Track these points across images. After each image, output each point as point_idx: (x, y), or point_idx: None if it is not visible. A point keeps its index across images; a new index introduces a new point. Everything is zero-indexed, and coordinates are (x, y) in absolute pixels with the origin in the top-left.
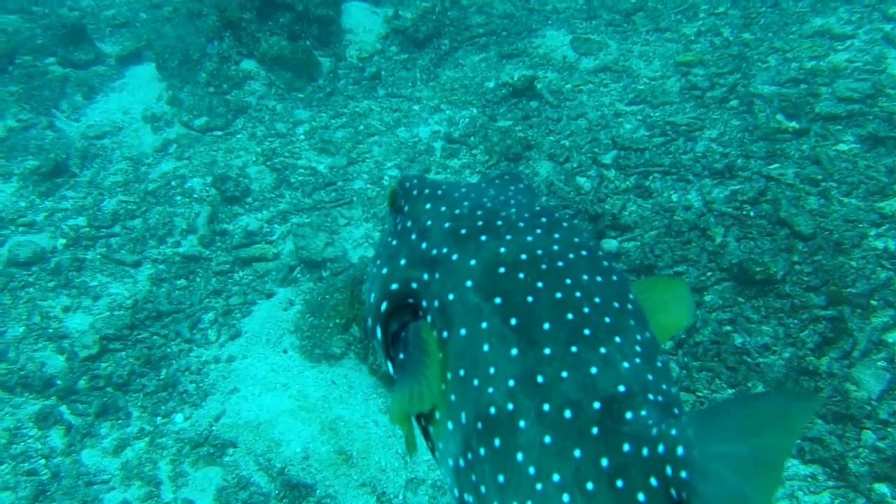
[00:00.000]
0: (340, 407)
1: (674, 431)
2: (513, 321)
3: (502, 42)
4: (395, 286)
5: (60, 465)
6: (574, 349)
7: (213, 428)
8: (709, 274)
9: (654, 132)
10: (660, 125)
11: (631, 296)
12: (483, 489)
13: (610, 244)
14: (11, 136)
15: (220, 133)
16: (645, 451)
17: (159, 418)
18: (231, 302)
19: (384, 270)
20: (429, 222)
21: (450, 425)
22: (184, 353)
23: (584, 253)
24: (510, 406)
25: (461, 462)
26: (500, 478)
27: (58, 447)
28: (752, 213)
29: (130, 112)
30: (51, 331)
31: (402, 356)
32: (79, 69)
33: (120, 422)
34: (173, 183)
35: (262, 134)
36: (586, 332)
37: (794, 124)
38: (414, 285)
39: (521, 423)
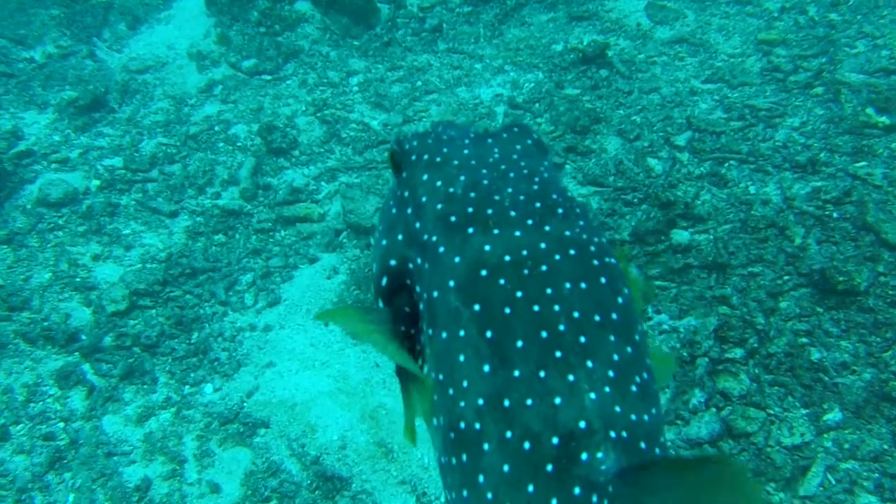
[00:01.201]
0: (383, 393)
1: (622, 486)
2: (488, 334)
3: (572, 2)
4: (393, 262)
5: (80, 431)
6: (542, 374)
7: (245, 404)
8: (786, 278)
9: (731, 115)
10: (738, 108)
11: (620, 298)
12: (454, 495)
13: (681, 236)
14: (50, 63)
15: (268, 77)
16: (594, 499)
17: (187, 387)
18: (271, 264)
19: (383, 241)
20: (424, 198)
21: (434, 422)
22: (217, 317)
23: (572, 252)
24: (477, 426)
25: (442, 460)
26: (465, 492)
27: (78, 410)
28: (835, 215)
29: (175, 47)
30: (78, 280)
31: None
32: None
33: (145, 387)
34: (217, 128)
35: (313, 82)
36: (558, 354)
37: (884, 119)
38: (410, 265)
39: (486, 446)
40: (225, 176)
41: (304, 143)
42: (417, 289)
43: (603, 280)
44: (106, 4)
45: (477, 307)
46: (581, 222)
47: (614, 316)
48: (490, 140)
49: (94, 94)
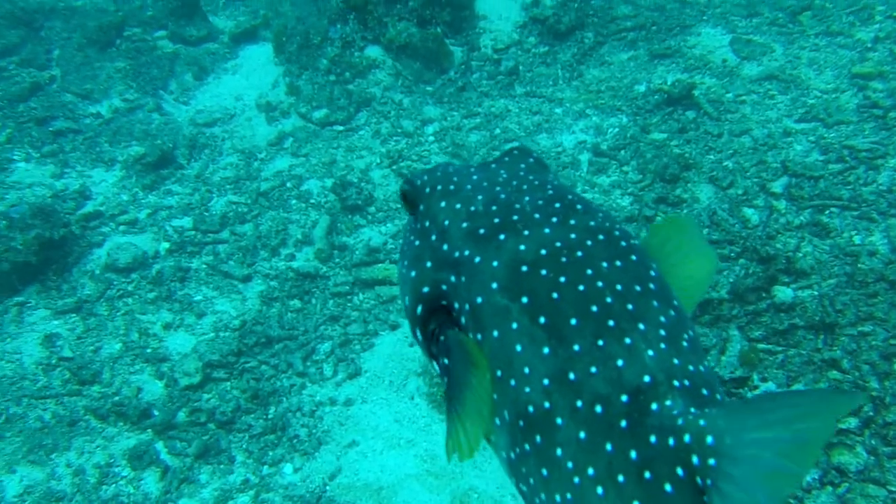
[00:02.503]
0: (474, 474)
1: (702, 422)
2: (541, 320)
3: (652, 38)
4: (426, 289)
5: None
6: (601, 343)
7: (328, 487)
8: None
9: (829, 157)
10: (836, 149)
11: (652, 272)
12: (532, 481)
13: (784, 293)
14: (116, 118)
15: (340, 128)
16: (671, 442)
17: (266, 467)
18: (350, 331)
19: (412, 273)
20: (446, 222)
21: (497, 421)
22: (295, 390)
23: (601, 238)
24: (547, 404)
25: (511, 455)
26: (544, 471)
27: (152, 494)
28: None
29: (243, 98)
30: (149, 351)
31: (445, 361)
32: (190, 46)
33: (222, 467)
34: (288, 184)
35: (386, 132)
36: (610, 323)
37: None
38: (444, 287)
39: (558, 420)
40: (299, 236)
41: (380, 199)
42: (456, 305)
43: (634, 258)
44: (172, 55)
45: (525, 299)
46: (600, 214)
47: (652, 286)
48: (494, 165)
49: (162, 150)
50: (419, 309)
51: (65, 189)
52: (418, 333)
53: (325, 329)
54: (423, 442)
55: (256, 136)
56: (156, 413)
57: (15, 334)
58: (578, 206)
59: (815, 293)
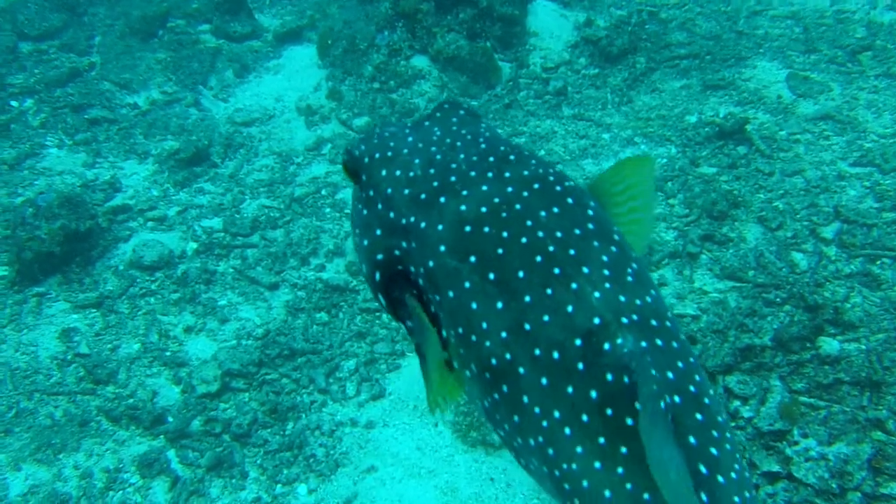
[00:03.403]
0: None
1: (649, 358)
2: (491, 276)
3: (706, 68)
4: (380, 256)
5: None
6: (549, 291)
7: None
8: None
9: (884, 204)
10: (891, 196)
11: (590, 211)
12: (507, 426)
13: (830, 345)
14: (153, 111)
15: None
16: (625, 379)
17: (280, 486)
18: (377, 350)
19: (365, 242)
20: (389, 190)
21: (467, 373)
22: (316, 407)
23: (536, 186)
24: (508, 356)
25: (486, 404)
26: (515, 418)
27: None
28: None
29: (283, 99)
30: (168, 354)
31: (409, 323)
32: (233, 42)
33: (234, 482)
34: (324, 191)
35: None
36: (556, 271)
37: None
38: (397, 252)
39: (520, 370)
40: (330, 246)
41: None
42: (412, 269)
43: (570, 200)
44: (214, 50)
45: (473, 259)
46: (533, 161)
47: (591, 226)
48: (427, 123)
49: (197, 147)
50: (377, 276)
51: (95, 179)
52: (381, 298)
53: (350, 345)
54: (445, 473)
55: (294, 140)
56: (170, 419)
57: (32, 325)
58: (511, 157)
59: (863, 347)
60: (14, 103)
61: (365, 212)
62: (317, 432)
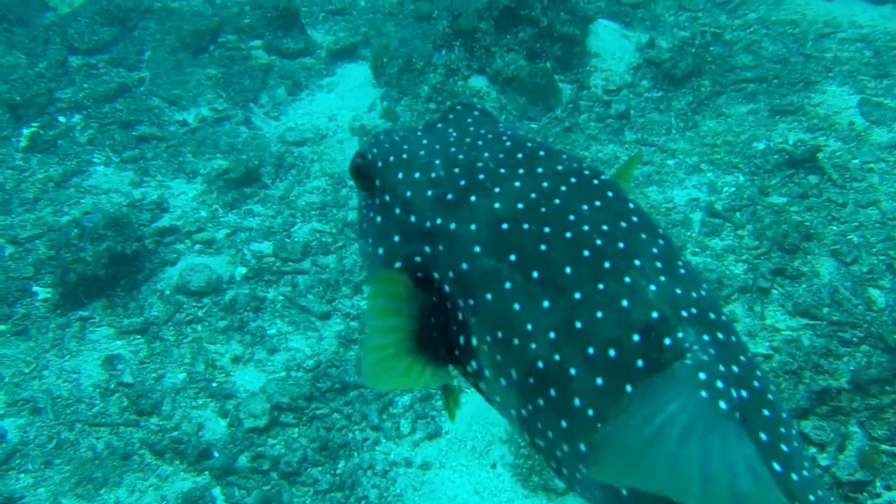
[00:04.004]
0: None
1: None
2: (534, 274)
3: (773, 92)
4: (398, 264)
5: None
6: (601, 286)
7: None
8: None
9: None
10: None
11: (631, 205)
12: (550, 434)
13: None
14: (203, 128)
15: None
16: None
17: None
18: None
19: (380, 251)
20: (408, 193)
21: (503, 381)
22: (368, 445)
23: (573, 181)
24: (557, 357)
25: (524, 412)
26: (563, 423)
27: None
28: None
29: (337, 119)
30: (215, 385)
31: None
32: (285, 59)
33: None
34: None
35: None
36: (606, 265)
37: None
38: (418, 259)
39: (572, 371)
40: None
41: None
42: (436, 275)
43: (610, 194)
44: (266, 67)
45: (513, 257)
46: (564, 156)
47: (635, 219)
48: (440, 125)
49: (247, 166)
50: None
51: (142, 199)
52: None
53: None
54: None
55: (347, 161)
56: (216, 455)
57: (75, 351)
58: (541, 153)
59: None
60: (62, 118)
61: (379, 219)
62: (369, 472)
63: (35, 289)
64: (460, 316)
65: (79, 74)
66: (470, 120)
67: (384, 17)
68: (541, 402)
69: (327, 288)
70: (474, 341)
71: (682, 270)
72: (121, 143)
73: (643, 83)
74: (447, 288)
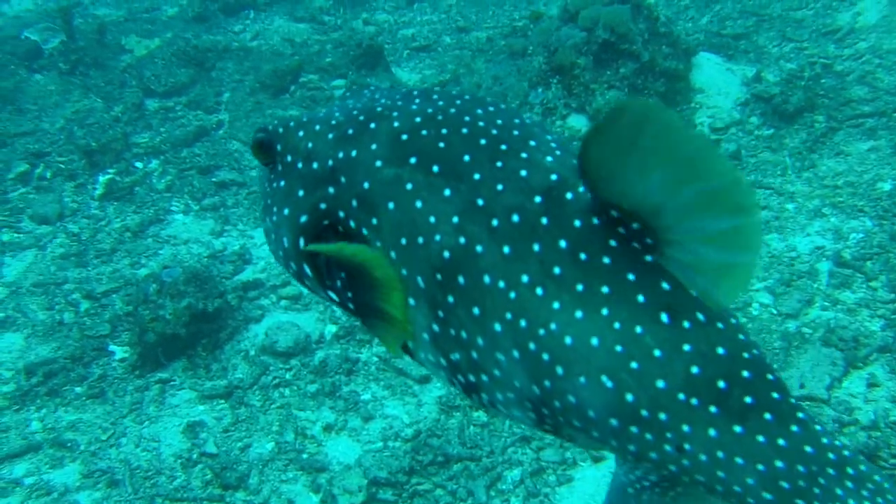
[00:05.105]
0: None
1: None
2: (435, 168)
3: (895, 127)
4: (304, 218)
5: None
6: (499, 164)
7: None
8: None
9: None
10: None
11: (526, 118)
12: (464, 334)
13: None
14: None
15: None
16: (594, 220)
17: None
18: (544, 457)
19: (285, 211)
20: (310, 145)
21: (412, 301)
22: None
23: (466, 97)
24: (462, 240)
25: (435, 327)
26: (476, 310)
27: None
28: None
29: None
30: (305, 456)
31: (343, 274)
32: None
33: None
34: None
35: None
36: (503, 147)
37: None
38: (322, 206)
39: (478, 248)
40: None
41: None
42: (341, 214)
43: (502, 107)
44: None
45: (413, 160)
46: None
47: (528, 120)
48: (339, 101)
49: None
50: (301, 243)
51: (223, 249)
52: (307, 270)
53: (514, 452)
54: None
55: None
56: None
57: (155, 417)
58: (434, 95)
59: None
60: (139, 164)
61: (282, 183)
62: None
63: (112, 347)
64: (370, 242)
65: (156, 118)
66: (366, 91)
67: (472, 53)
68: (451, 298)
69: None
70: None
71: (576, 158)
72: (200, 190)
73: (752, 120)
74: (353, 223)
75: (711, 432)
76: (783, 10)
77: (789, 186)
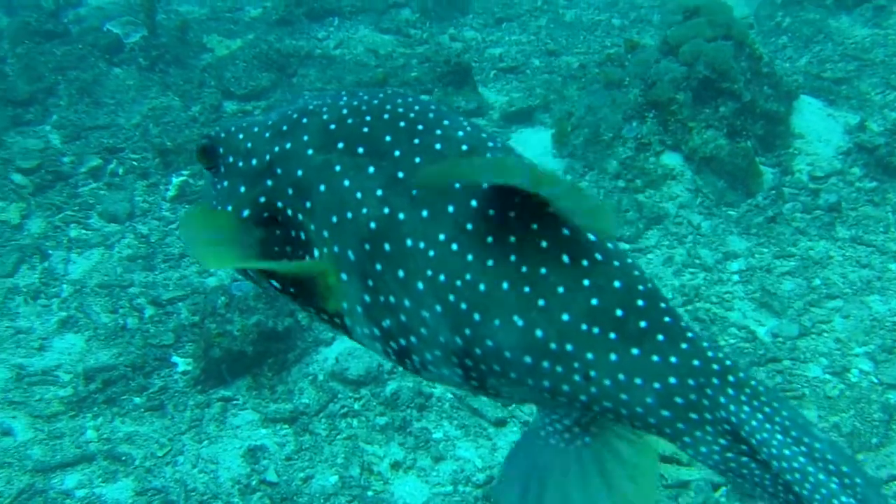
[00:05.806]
0: None
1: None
2: (360, 150)
3: None
4: (246, 212)
5: None
6: (416, 141)
7: None
8: None
9: None
10: None
11: (442, 107)
12: (392, 299)
13: None
14: None
15: (626, 246)
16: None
17: None
18: None
19: (229, 208)
20: (249, 144)
21: (344, 276)
22: None
23: (389, 91)
24: (386, 210)
25: (366, 297)
26: (401, 273)
27: None
28: None
29: None
30: (371, 494)
31: (280, 272)
32: None
33: None
34: None
35: (681, 260)
36: (420, 127)
37: None
38: (262, 199)
39: (401, 216)
40: None
41: None
42: (279, 204)
43: (421, 97)
44: None
45: (341, 144)
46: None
47: (443, 108)
48: (274, 108)
49: None
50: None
51: None
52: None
53: None
54: None
55: None
56: None
57: (214, 437)
58: (360, 92)
59: None
60: None
61: (225, 183)
62: None
63: (175, 359)
64: (303, 236)
65: None
66: (299, 98)
67: (563, 79)
68: (378, 266)
69: None
70: (316, 252)
71: (484, 134)
72: None
73: (854, 171)
74: (290, 212)
75: (612, 357)
76: (886, 56)
77: (893, 245)
